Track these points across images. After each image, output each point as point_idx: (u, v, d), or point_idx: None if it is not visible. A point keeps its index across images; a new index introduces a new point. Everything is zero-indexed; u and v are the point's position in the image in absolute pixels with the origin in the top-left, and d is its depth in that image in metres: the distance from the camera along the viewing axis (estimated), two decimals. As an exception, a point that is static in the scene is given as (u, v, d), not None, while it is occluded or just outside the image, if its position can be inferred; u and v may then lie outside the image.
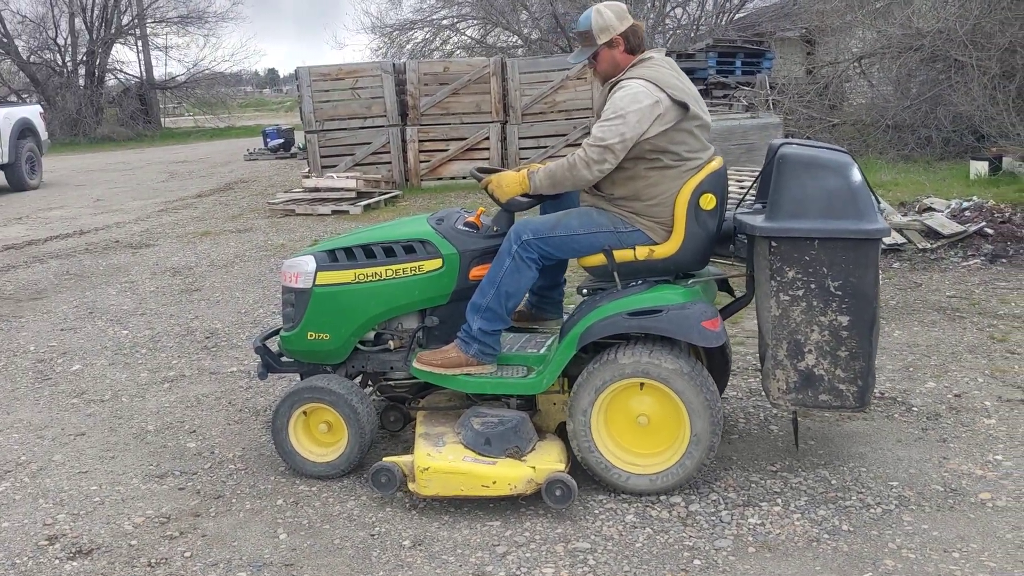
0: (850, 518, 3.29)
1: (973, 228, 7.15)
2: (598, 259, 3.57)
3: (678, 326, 3.42)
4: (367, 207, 11.55)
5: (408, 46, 24.24)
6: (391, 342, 3.87)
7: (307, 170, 13.79)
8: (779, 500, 3.44)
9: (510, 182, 3.63)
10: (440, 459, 3.45)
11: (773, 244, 3.34)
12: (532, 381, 3.61)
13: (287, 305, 3.92)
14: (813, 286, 3.34)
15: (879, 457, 3.77)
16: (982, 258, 6.85)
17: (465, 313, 3.64)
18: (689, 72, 14.45)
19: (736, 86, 14.34)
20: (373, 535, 3.35)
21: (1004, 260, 6.79)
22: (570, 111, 13.72)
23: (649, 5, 21.61)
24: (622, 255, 3.53)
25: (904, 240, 7.19)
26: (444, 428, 3.70)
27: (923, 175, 10.51)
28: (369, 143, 13.62)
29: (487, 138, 13.67)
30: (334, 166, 13.47)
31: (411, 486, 3.47)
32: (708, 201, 3.49)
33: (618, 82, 3.51)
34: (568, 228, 3.55)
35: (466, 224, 3.81)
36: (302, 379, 4.00)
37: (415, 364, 3.72)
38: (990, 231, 7.15)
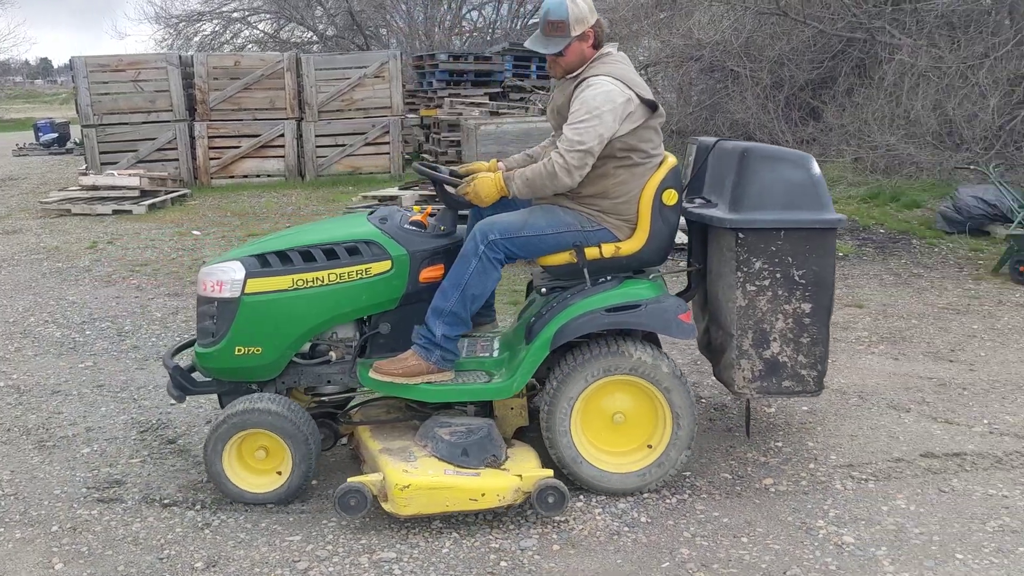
0: (648, 510, 3.39)
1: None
2: (562, 258, 3.48)
3: (657, 320, 3.40)
4: (152, 207, 10.92)
5: (196, 38, 23.21)
6: (332, 353, 3.60)
7: (84, 167, 12.89)
8: (582, 496, 3.49)
9: (488, 189, 3.44)
10: (420, 474, 3.20)
11: (740, 236, 3.39)
12: (502, 385, 3.44)
13: (205, 318, 3.52)
14: (779, 275, 3.43)
15: (673, 449, 3.92)
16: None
17: (424, 318, 3.45)
18: (485, 75, 14.69)
19: (532, 89, 14.63)
20: (162, 559, 3.12)
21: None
22: (368, 109, 13.56)
23: (446, 7, 21.73)
24: (589, 253, 3.45)
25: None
26: (404, 441, 3.44)
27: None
28: (153, 139, 12.91)
29: (282, 135, 13.28)
30: (115, 163, 12.67)
31: (386, 506, 3.20)
32: (671, 197, 3.45)
33: (583, 79, 3.40)
34: (536, 228, 3.42)
35: (412, 223, 3.59)
36: (221, 400, 3.69)
37: (371, 374, 3.46)
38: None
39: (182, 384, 3.61)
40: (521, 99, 14.46)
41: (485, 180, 3.44)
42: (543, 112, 13.64)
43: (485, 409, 3.59)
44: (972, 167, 8.03)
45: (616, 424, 3.50)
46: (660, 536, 3.21)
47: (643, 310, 3.39)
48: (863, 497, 3.45)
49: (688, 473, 3.67)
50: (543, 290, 3.59)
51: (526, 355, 3.42)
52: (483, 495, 3.19)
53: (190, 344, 3.81)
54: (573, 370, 3.39)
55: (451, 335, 3.42)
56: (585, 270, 3.46)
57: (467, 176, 3.62)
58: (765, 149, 3.50)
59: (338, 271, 3.44)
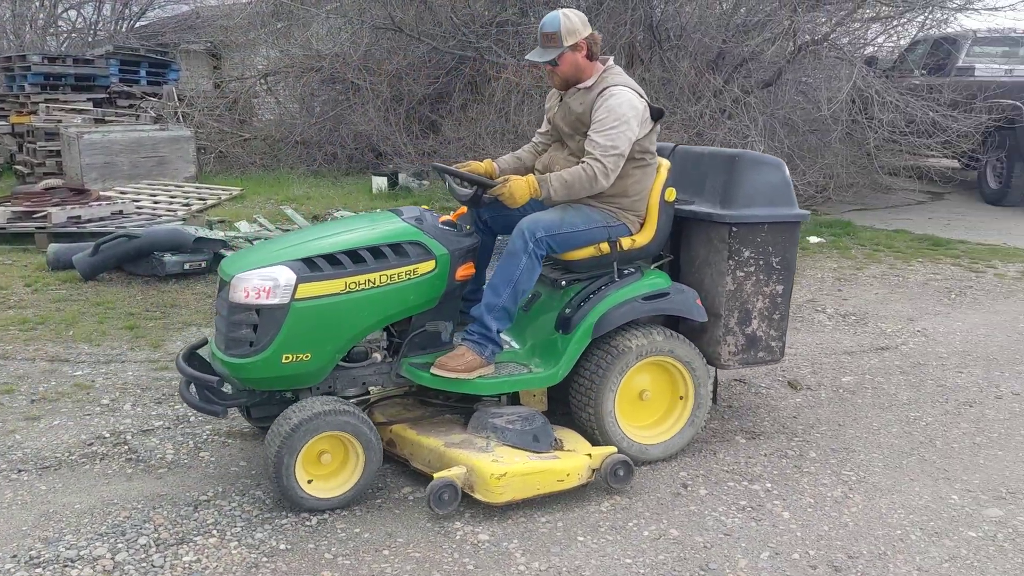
0: (287, 536, 3.28)
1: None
2: (587, 252, 3.78)
3: (683, 305, 3.88)
4: None
5: None
6: (376, 355, 3.66)
7: None
8: (215, 531, 3.30)
9: (522, 191, 3.60)
10: (511, 463, 3.36)
11: (733, 229, 3.88)
12: (547, 374, 3.69)
13: (241, 327, 3.36)
14: (761, 262, 3.98)
15: (310, 468, 3.83)
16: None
17: (474, 315, 3.67)
18: (88, 79, 13.48)
19: (143, 96, 13.70)
20: None
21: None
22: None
23: (38, 4, 19.65)
24: (608, 247, 3.78)
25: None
26: (459, 435, 3.60)
27: (332, 189, 11.12)
28: None
29: None
30: None
31: (479, 495, 3.35)
32: (671, 194, 3.87)
33: (604, 89, 3.69)
34: (572, 225, 3.69)
35: (444, 223, 3.66)
36: (249, 412, 3.72)
37: (435, 371, 3.58)
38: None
39: (210, 397, 3.54)
40: (131, 106, 13.49)
41: (519, 182, 3.60)
42: (156, 120, 12.82)
43: (511, 398, 3.83)
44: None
45: (643, 401, 3.91)
46: (301, 562, 3.12)
47: (672, 297, 3.86)
48: (495, 494, 3.62)
49: (327, 491, 3.61)
50: (563, 283, 3.86)
51: (568, 344, 3.68)
52: (568, 475, 3.46)
53: (201, 345, 3.77)
54: (617, 356, 3.73)
55: (502, 330, 3.69)
56: (615, 264, 3.82)
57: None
58: (752, 155, 4.04)
59: (388, 272, 3.47)
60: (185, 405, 3.92)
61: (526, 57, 3.97)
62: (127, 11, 20.00)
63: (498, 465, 3.34)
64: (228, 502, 3.52)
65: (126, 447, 3.99)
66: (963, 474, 3.84)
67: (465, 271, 3.65)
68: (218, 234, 7.32)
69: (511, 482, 3.34)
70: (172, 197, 9.63)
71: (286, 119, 13.84)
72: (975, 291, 6.99)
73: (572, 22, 3.71)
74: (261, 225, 8.06)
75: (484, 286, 3.81)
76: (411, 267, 3.50)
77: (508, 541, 3.26)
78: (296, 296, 3.34)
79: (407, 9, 11.62)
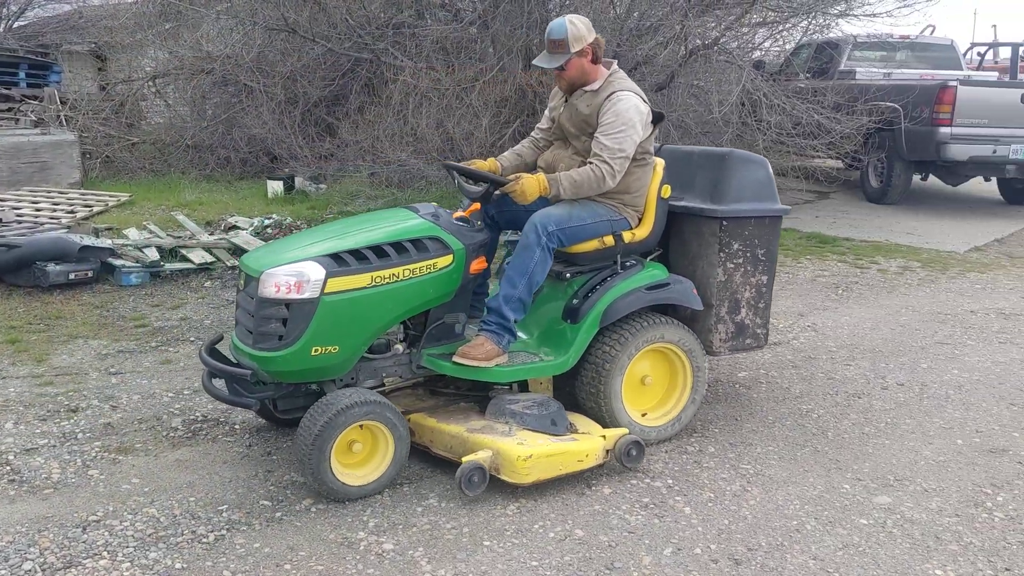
0: (183, 554, 3.17)
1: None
2: (592, 245, 3.98)
3: (683, 295, 4.11)
4: None
5: None
6: (398, 346, 3.86)
7: None
8: (105, 552, 3.16)
9: (533, 189, 3.76)
10: (535, 445, 3.54)
11: (724, 223, 4.12)
12: (559, 362, 3.89)
13: (271, 320, 3.47)
14: (749, 254, 4.24)
15: (207, 483, 3.72)
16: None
17: (492, 306, 3.82)
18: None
19: (22, 99, 13.09)
20: None
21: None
22: None
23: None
24: (611, 240, 4.00)
25: (214, 259, 7.30)
26: (481, 421, 3.76)
27: (225, 194, 10.83)
28: None
29: None
30: None
31: (507, 476, 3.51)
32: (666, 191, 4.11)
33: (612, 94, 3.88)
34: (580, 219, 3.89)
35: (458, 219, 3.79)
36: (276, 405, 3.88)
37: (457, 360, 3.73)
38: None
39: (239, 390, 3.66)
40: (9, 109, 12.89)
41: (531, 180, 3.76)
42: (37, 124, 12.27)
43: (521, 385, 3.99)
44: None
45: (644, 386, 4.12)
46: (198, 580, 3.02)
47: (672, 288, 4.08)
48: (399, 502, 3.57)
49: (224, 507, 3.51)
50: (567, 276, 4.02)
51: (578, 334, 3.88)
52: (587, 456, 3.64)
53: (218, 341, 3.91)
54: (625, 343, 3.93)
55: (519, 320, 3.86)
56: (619, 256, 4.04)
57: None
58: (740, 154, 4.27)
59: (411, 267, 3.60)
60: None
61: (533, 63, 4.28)
62: (4, 11, 19.09)
63: (524, 448, 3.52)
64: (120, 521, 3.38)
65: (8, 468, 3.80)
66: (853, 463, 3.98)
67: (478, 265, 3.83)
68: (105, 242, 7.04)
69: (536, 463, 3.51)
70: (55, 204, 9.21)
71: (176, 122, 13.42)
72: (860, 286, 7.27)
73: (578, 28, 3.90)
74: (152, 232, 7.79)
75: (500, 278, 3.97)
76: (431, 261, 3.65)
77: (413, 549, 3.23)
78: (325, 290, 3.45)
79: (300, 10, 11.40)
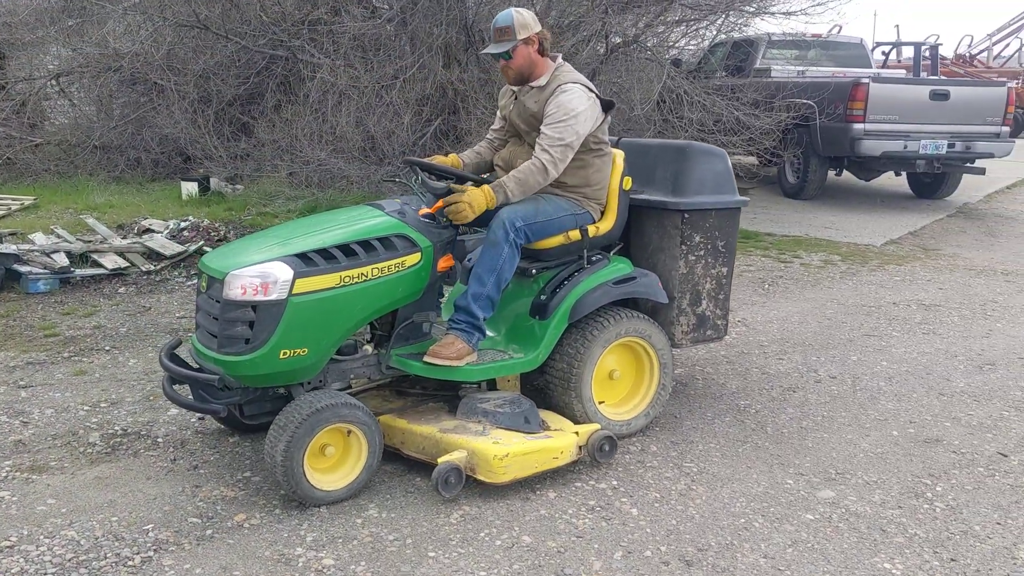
0: (107, 579, 2.97)
1: (193, 248, 7.29)
2: (556, 240, 3.96)
3: (649, 288, 4.11)
4: None
5: None
6: (367, 347, 3.81)
7: None
8: (22, 581, 2.94)
9: (479, 201, 3.68)
10: (509, 444, 3.51)
11: (685, 216, 4.13)
12: (529, 359, 3.85)
13: (236, 324, 3.35)
14: (709, 246, 4.27)
15: (130, 501, 3.51)
16: (204, 276, 7.01)
17: (461, 305, 3.75)
18: None
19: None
20: None
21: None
22: None
23: None
24: (575, 234, 3.99)
25: (128, 264, 6.98)
26: (452, 421, 3.73)
27: (137, 196, 10.43)
28: None
29: None
30: None
31: (483, 476, 3.47)
32: (627, 183, 4.11)
33: (557, 86, 3.86)
34: (546, 213, 3.88)
35: (424, 216, 3.71)
36: (242, 410, 3.71)
37: (428, 359, 3.67)
38: (208, 249, 7.37)
39: (202, 395, 3.52)
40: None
41: (476, 193, 3.68)
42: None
43: (489, 384, 3.95)
44: (396, 179, 8.62)
45: (612, 380, 4.13)
46: (126, 606, 2.83)
47: (639, 281, 4.09)
48: (338, 514, 3.42)
49: (150, 526, 3.31)
50: (533, 271, 4.00)
51: (547, 330, 3.85)
52: (562, 452, 3.62)
53: (177, 345, 3.78)
54: (595, 338, 3.93)
55: (487, 317, 3.79)
56: (585, 251, 4.03)
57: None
58: (699, 146, 4.25)
59: (380, 265, 3.52)
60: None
61: (482, 51, 4.29)
62: None
63: (499, 447, 3.49)
64: (36, 547, 3.16)
65: (-91, 493, 3.53)
66: (795, 458, 3.98)
67: (446, 262, 3.76)
68: (10, 248, 6.67)
69: (513, 462, 3.48)
70: (-47, 209, 8.74)
71: (83, 122, 12.87)
72: (785, 280, 7.36)
73: (524, 17, 3.93)
74: (60, 236, 7.42)
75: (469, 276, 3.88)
76: (399, 259, 3.58)
77: (355, 564, 3.09)
78: (293, 291, 3.35)
79: (212, 6, 11.05)
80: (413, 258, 3.63)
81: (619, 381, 4.18)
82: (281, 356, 3.39)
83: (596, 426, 3.84)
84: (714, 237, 4.30)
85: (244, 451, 3.97)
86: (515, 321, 4.05)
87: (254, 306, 3.34)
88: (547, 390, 4.05)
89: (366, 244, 3.55)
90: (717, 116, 10.10)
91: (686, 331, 4.35)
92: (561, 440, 3.65)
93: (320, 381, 3.66)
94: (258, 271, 3.36)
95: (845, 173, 12.21)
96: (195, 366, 3.71)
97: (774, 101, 10.59)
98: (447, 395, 4.02)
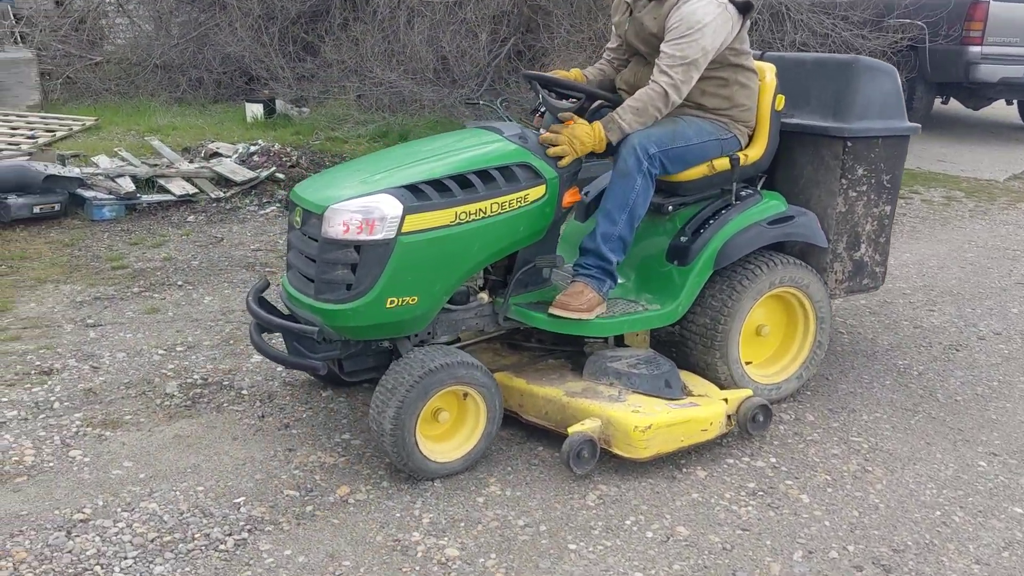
0: (197, 568, 2.52)
1: (264, 174, 6.80)
2: (699, 171, 3.39)
3: (809, 230, 3.52)
4: None
5: None
6: (482, 295, 3.26)
7: None
8: (98, 567, 2.51)
9: (584, 139, 3.13)
10: (652, 412, 3.01)
11: (848, 144, 3.55)
12: (667, 312, 3.32)
13: (337, 266, 2.89)
14: (873, 181, 3.69)
15: (216, 466, 3.06)
16: (277, 205, 6.54)
17: (590, 247, 3.25)
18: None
19: (-30, 15, 12.00)
20: None
21: (299, 206, 6.56)
22: None
23: None
24: (722, 163, 3.41)
25: (196, 190, 6.52)
26: (579, 383, 3.23)
27: (200, 118, 9.96)
28: None
29: None
30: None
31: (620, 450, 2.99)
32: (780, 102, 3.51)
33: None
34: (686, 137, 3.31)
35: (544, 142, 3.16)
36: (342, 365, 3.17)
37: (554, 311, 3.15)
38: (281, 176, 6.88)
39: (300, 350, 3.04)
40: (-43, 26, 11.79)
41: (583, 128, 3.14)
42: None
43: (616, 337, 3.52)
44: (479, 102, 8.05)
45: (760, 337, 3.56)
46: (220, 606, 2.38)
47: (797, 222, 3.50)
48: (455, 490, 2.94)
49: (241, 499, 2.86)
50: (668, 208, 3.43)
51: (688, 278, 3.31)
52: (711, 424, 3.09)
53: (264, 288, 3.36)
54: (746, 288, 3.36)
55: (620, 262, 3.27)
56: (734, 184, 3.45)
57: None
58: (867, 61, 3.69)
59: (500, 200, 3.01)
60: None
61: None
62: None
63: (641, 416, 2.98)
64: (113, 522, 2.72)
65: (-30, 451, 3.11)
66: (979, 433, 3.40)
67: (572, 196, 3.23)
68: (73, 171, 6.22)
69: (656, 434, 2.98)
70: (14, 129, 8.31)
71: (142, 41, 12.38)
72: (910, 219, 6.66)
73: None
74: (124, 160, 6.97)
75: (597, 213, 3.34)
76: (522, 193, 3.05)
77: (484, 556, 2.60)
78: (403, 229, 2.85)
79: (277, -85, 10.41)
80: (537, 191, 3.09)
81: (767, 338, 3.61)
82: (388, 305, 2.90)
83: (747, 392, 3.29)
84: (879, 170, 3.70)
85: (339, 408, 3.50)
86: (648, 266, 3.49)
87: (357, 246, 2.85)
88: (684, 347, 3.51)
89: (484, 174, 3.02)
90: (823, 37, 9.27)
91: (840, 280, 3.79)
92: (710, 409, 3.12)
93: (428, 334, 3.18)
94: (362, 205, 2.86)
95: (952, 101, 11.28)
96: (285, 311, 3.25)
97: (884, 21, 9.69)
98: (568, 351, 3.50)
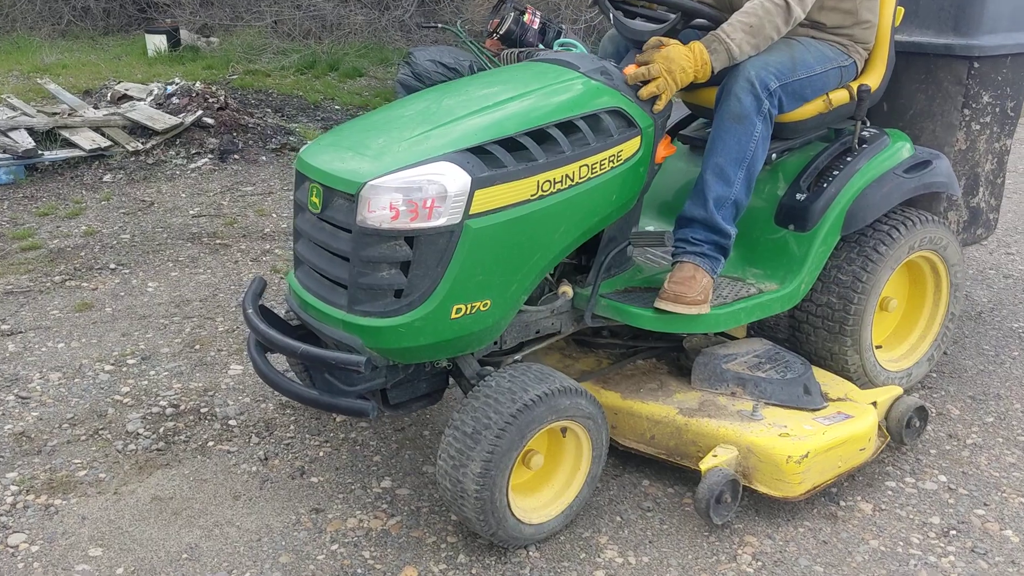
0: None
1: (190, 119, 5.73)
2: (815, 107, 2.63)
3: (949, 177, 2.85)
4: None
5: None
6: (565, 288, 2.42)
7: None
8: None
9: (683, 65, 2.30)
10: (800, 434, 2.28)
11: (975, 66, 2.94)
12: (787, 293, 2.57)
13: (379, 266, 2.05)
14: (998, 110, 3.10)
15: (220, 547, 2.22)
16: (210, 157, 5.52)
17: (698, 216, 2.44)
18: None
19: None
20: None
21: (235, 156, 5.56)
22: None
23: None
24: (839, 97, 2.66)
25: (108, 142, 5.44)
26: (690, 393, 2.50)
27: (93, 54, 8.68)
28: None
29: None
30: None
31: (766, 488, 2.27)
32: (900, 15, 2.81)
33: None
34: (807, 66, 2.56)
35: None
36: (386, 397, 2.27)
37: (662, 306, 2.35)
38: (210, 121, 5.83)
39: (332, 383, 2.26)
40: None
41: (678, 50, 2.32)
42: None
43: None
44: (440, 26, 7.09)
45: (884, 313, 2.85)
46: None
47: (935, 168, 2.78)
48: (560, 561, 2.18)
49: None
50: (772, 156, 2.63)
51: (811, 246, 2.59)
52: (868, 439, 2.42)
53: (262, 290, 2.47)
54: (883, 256, 2.67)
55: (735, 234, 2.52)
56: (859, 121, 2.69)
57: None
58: None
59: (590, 161, 2.22)
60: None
61: None
62: None
63: (793, 442, 2.29)
64: None
65: None
66: None
67: (666, 150, 2.46)
68: (-48, 126, 5.09)
69: (813, 464, 2.29)
70: None
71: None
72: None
73: None
74: (16, 108, 5.80)
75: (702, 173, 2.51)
76: (615, 150, 2.27)
77: None
78: (472, 210, 2.05)
79: None
80: (631, 145, 2.31)
81: (891, 314, 2.92)
82: (454, 315, 2.12)
83: (896, 390, 2.61)
84: (1005, 96, 3.10)
85: (364, 439, 2.69)
86: (751, 232, 2.71)
87: (410, 237, 2.04)
88: (799, 333, 2.79)
89: (568, 127, 2.23)
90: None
91: (955, 231, 3.18)
92: (864, 420, 2.42)
93: (495, 344, 2.39)
94: (414, 179, 2.03)
95: None
96: (292, 320, 2.41)
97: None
98: (659, 347, 2.74)
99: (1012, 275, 3.88)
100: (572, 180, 2.21)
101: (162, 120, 5.64)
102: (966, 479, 2.50)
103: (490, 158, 2.10)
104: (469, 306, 2.14)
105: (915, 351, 2.95)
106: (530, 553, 2.20)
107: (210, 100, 6.02)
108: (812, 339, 2.76)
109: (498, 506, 2.09)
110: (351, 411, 2.20)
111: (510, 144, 2.14)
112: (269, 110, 6.64)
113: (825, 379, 2.62)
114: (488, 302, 2.16)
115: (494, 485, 2.07)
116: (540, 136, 2.19)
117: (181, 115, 5.78)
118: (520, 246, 2.17)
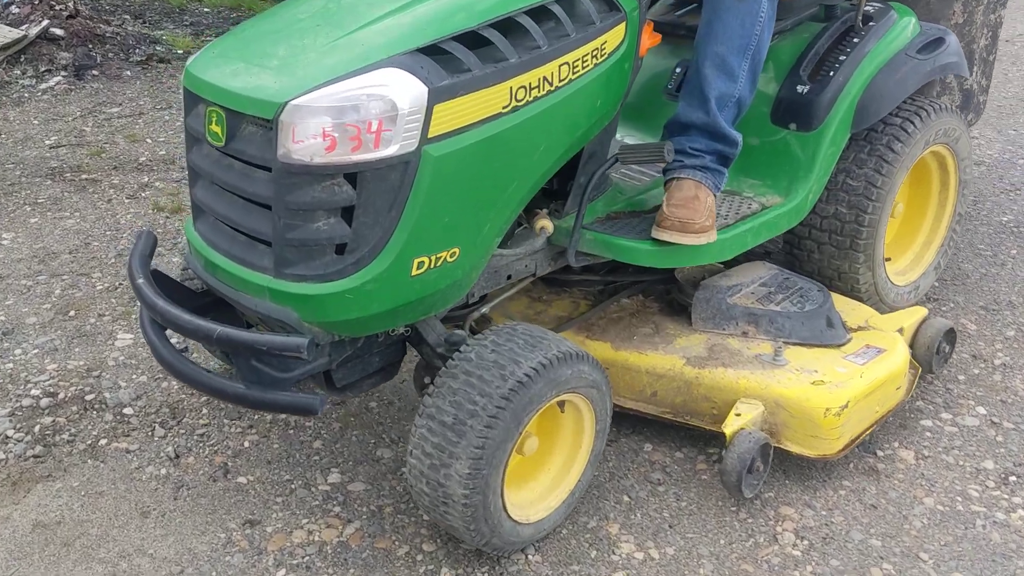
0: None
1: (35, 31, 4.89)
2: None
3: (960, 56, 2.47)
4: None
5: None
6: (544, 222, 1.95)
7: None
8: None
9: None
10: (834, 378, 1.93)
11: None
12: (794, 206, 2.15)
13: (314, 216, 1.56)
14: None
15: (134, 586, 1.72)
16: (63, 74, 4.73)
17: (706, 120, 1.99)
18: None
19: None
20: None
21: (94, 72, 4.79)
22: None
23: None
24: None
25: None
26: (695, 336, 2.09)
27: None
28: None
29: None
30: None
31: (799, 447, 1.91)
32: None
33: None
34: None
35: None
36: (329, 378, 1.79)
37: (660, 235, 1.93)
38: (59, 32, 4.99)
39: (263, 374, 1.68)
40: None
41: None
42: None
43: None
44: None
45: (893, 219, 2.45)
46: None
47: (948, 47, 2.39)
48: (568, 563, 1.77)
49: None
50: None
51: (818, 148, 2.17)
52: (903, 376, 2.04)
53: (152, 251, 1.90)
54: (897, 155, 2.26)
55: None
56: None
57: None
58: None
59: (570, 57, 1.73)
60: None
61: None
62: None
63: (830, 391, 1.91)
64: None
65: None
66: None
67: (651, 39, 1.98)
68: None
69: (851, 414, 1.92)
70: None
71: None
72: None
73: None
74: None
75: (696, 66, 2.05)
76: (598, 41, 1.79)
77: None
78: (431, 132, 1.56)
79: None
80: (615, 35, 1.84)
81: (895, 220, 2.55)
82: (415, 271, 1.63)
83: (920, 311, 2.27)
84: None
85: (297, 419, 2.19)
86: (745, 134, 2.28)
87: (351, 173, 1.54)
88: (800, 250, 2.40)
89: (541, 13, 1.73)
90: None
91: None
92: (897, 354, 2.07)
93: (465, 299, 1.92)
94: (350, 93, 1.52)
95: None
96: (196, 287, 1.89)
97: None
98: (640, 280, 2.30)
99: (984, 161, 3.59)
100: (551, 84, 1.72)
101: (1, 33, 4.79)
102: (1007, 409, 2.19)
103: (449, 60, 1.59)
104: (433, 258, 1.65)
105: (920, 261, 2.61)
106: (530, 558, 1.78)
107: (57, 7, 5.15)
108: (816, 257, 2.37)
109: (492, 511, 1.65)
110: (294, 409, 1.69)
111: (471, 40, 1.62)
112: (128, 16, 5.80)
113: (840, 304, 2.24)
114: (456, 250, 1.68)
115: (486, 487, 1.62)
116: (506, 27, 1.67)
117: (24, 27, 4.93)
118: (493, 175, 1.69)
